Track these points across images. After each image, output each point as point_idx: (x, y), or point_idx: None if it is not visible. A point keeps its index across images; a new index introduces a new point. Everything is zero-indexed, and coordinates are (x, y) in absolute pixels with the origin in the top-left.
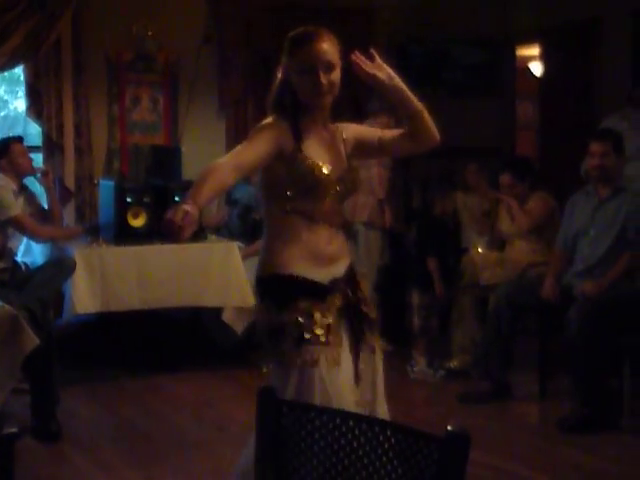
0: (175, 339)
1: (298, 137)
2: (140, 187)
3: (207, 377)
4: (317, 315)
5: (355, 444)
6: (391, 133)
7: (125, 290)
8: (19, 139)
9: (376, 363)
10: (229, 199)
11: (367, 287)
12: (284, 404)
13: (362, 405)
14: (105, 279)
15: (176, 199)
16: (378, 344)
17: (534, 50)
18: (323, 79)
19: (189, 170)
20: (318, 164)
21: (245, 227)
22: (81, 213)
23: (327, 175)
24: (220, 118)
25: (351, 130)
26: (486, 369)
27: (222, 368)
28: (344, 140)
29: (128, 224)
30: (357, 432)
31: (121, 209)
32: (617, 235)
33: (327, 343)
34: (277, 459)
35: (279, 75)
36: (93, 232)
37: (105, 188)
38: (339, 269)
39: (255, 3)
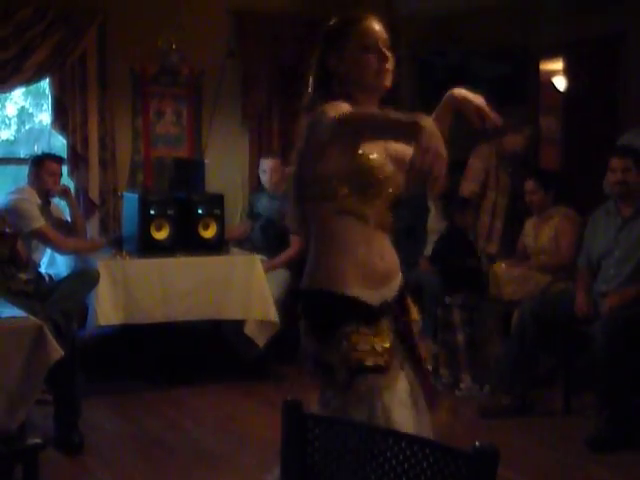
0: (197, 352)
1: None
2: (163, 200)
3: (229, 391)
4: (370, 340)
5: (381, 459)
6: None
7: (148, 302)
8: (56, 158)
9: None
10: (251, 212)
11: (416, 311)
12: (309, 418)
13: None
14: (128, 291)
15: (199, 212)
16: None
17: (558, 64)
18: (389, 55)
19: (212, 183)
20: (381, 162)
21: (268, 240)
22: (105, 225)
23: (386, 176)
24: (244, 131)
25: None
26: (510, 384)
27: (244, 382)
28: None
29: (151, 236)
30: (383, 447)
31: (145, 221)
32: None
33: (385, 370)
34: (303, 474)
35: (316, 67)
36: (117, 244)
37: (129, 200)
38: (391, 290)
39: (279, 17)
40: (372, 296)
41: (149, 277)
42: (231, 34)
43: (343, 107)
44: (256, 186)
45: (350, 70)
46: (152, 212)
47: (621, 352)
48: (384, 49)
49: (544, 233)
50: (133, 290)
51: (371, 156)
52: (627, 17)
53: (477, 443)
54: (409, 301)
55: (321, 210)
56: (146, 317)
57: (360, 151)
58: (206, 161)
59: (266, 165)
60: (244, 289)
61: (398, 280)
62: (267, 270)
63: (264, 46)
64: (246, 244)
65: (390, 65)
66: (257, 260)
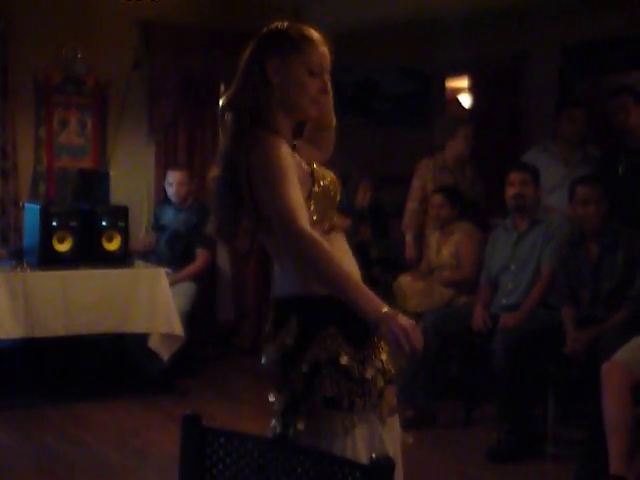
0: (100, 366)
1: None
2: (66, 211)
3: (131, 405)
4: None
5: (280, 472)
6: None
7: (49, 316)
8: None
9: None
10: (156, 225)
11: None
12: (208, 432)
13: None
14: (29, 304)
15: (103, 224)
16: None
17: (463, 82)
18: (329, 90)
19: (117, 195)
20: (331, 177)
21: (173, 253)
22: (5, 236)
23: (337, 188)
24: (149, 143)
25: None
26: (412, 396)
27: (147, 396)
28: None
29: (53, 248)
30: (282, 460)
31: (46, 233)
32: (535, 268)
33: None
34: None
35: (249, 63)
36: (17, 256)
37: (30, 211)
38: None
39: (186, 28)
40: None
41: (50, 290)
42: (138, 45)
43: (291, 165)
44: (162, 198)
45: (285, 85)
46: (54, 223)
47: (519, 365)
48: (327, 81)
49: (445, 248)
50: (34, 303)
51: (324, 181)
52: (531, 36)
53: (374, 455)
54: None
55: None
56: (47, 331)
57: (316, 171)
58: (111, 172)
59: (172, 177)
60: (148, 302)
61: None
62: (172, 283)
63: (171, 57)
64: (151, 257)
65: (326, 99)
66: (162, 273)
